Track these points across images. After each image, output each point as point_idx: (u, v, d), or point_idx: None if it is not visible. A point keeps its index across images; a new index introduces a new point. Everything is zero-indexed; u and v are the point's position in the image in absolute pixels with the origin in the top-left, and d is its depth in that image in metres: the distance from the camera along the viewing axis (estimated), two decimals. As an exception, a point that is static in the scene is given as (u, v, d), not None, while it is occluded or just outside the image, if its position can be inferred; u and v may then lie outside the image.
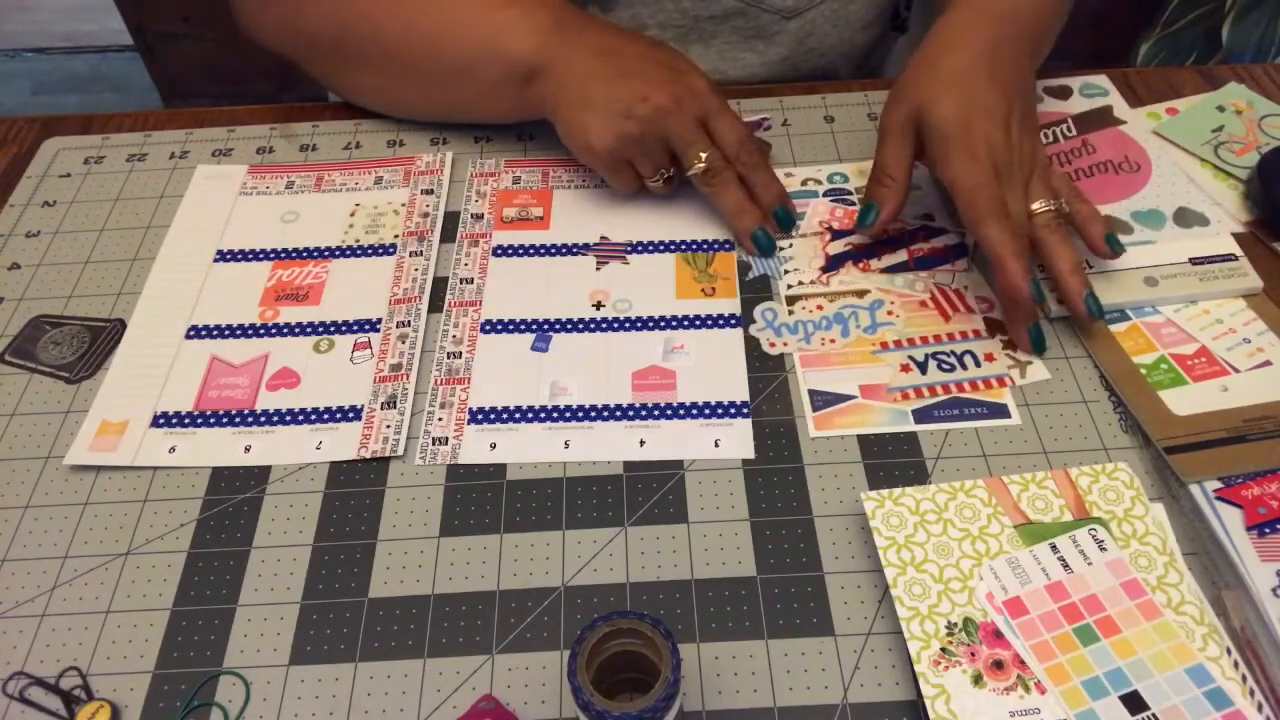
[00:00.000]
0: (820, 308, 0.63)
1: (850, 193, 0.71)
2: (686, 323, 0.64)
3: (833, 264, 0.66)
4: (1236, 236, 0.66)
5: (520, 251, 0.69)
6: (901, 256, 0.66)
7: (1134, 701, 0.46)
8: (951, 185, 0.59)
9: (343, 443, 0.58)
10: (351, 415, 0.60)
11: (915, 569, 0.50)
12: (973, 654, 0.48)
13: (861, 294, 0.64)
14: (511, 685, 0.49)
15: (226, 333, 0.64)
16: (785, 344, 0.62)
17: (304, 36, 0.73)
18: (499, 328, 0.64)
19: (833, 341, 0.61)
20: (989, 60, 0.61)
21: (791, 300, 0.64)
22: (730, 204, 0.66)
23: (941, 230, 0.67)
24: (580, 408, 0.60)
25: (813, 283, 0.65)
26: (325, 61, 0.75)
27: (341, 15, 0.71)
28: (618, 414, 0.59)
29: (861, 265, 0.66)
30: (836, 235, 0.67)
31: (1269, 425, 0.56)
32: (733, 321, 0.64)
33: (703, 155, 0.64)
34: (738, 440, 0.58)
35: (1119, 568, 0.50)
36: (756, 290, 0.65)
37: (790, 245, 0.67)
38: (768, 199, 0.67)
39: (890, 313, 0.62)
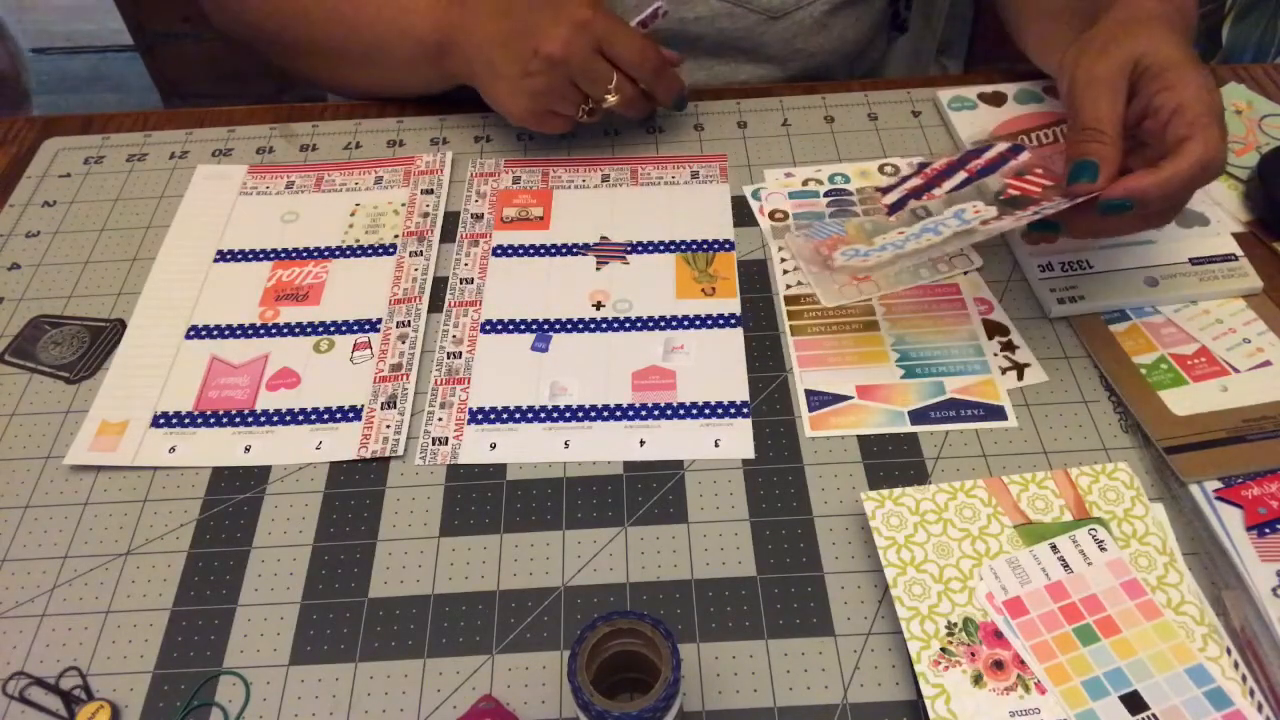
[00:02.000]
0: (901, 233, 0.61)
1: (851, 193, 0.71)
2: (686, 323, 0.64)
3: (895, 208, 0.63)
4: (1236, 236, 0.66)
5: (520, 251, 0.69)
6: (961, 177, 0.62)
7: (1134, 701, 0.46)
8: (1177, 107, 0.54)
9: (343, 443, 0.58)
10: (351, 415, 0.60)
11: (915, 569, 0.50)
12: (973, 654, 0.48)
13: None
14: (511, 685, 0.49)
15: (226, 333, 0.64)
16: (877, 260, 0.59)
17: (253, 29, 0.77)
18: (499, 328, 0.64)
19: (931, 240, 0.58)
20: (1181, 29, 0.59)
21: (792, 301, 0.64)
22: (638, 116, 0.72)
23: (984, 146, 0.64)
24: (580, 408, 0.60)
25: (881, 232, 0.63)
26: (274, 50, 0.79)
27: (274, 5, 0.75)
28: (618, 414, 0.59)
29: (926, 197, 0.63)
30: (885, 190, 0.65)
31: (1269, 425, 0.56)
32: (733, 321, 0.64)
33: (609, 90, 0.67)
34: (738, 440, 0.58)
35: (1119, 568, 0.50)
36: (756, 290, 0.65)
37: (839, 222, 0.67)
38: (668, 98, 0.71)
39: (975, 210, 0.58)
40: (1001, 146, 0.63)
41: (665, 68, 0.69)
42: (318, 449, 0.58)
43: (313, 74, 0.80)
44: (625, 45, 0.66)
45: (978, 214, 0.58)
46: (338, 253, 0.69)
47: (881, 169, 0.72)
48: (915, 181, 0.64)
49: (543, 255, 0.68)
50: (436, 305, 0.66)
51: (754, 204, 0.71)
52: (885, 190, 0.65)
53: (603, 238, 0.69)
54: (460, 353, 0.63)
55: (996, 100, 0.76)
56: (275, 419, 0.60)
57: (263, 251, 0.69)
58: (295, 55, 0.78)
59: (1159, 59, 0.56)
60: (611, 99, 0.67)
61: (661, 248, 0.68)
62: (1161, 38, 0.56)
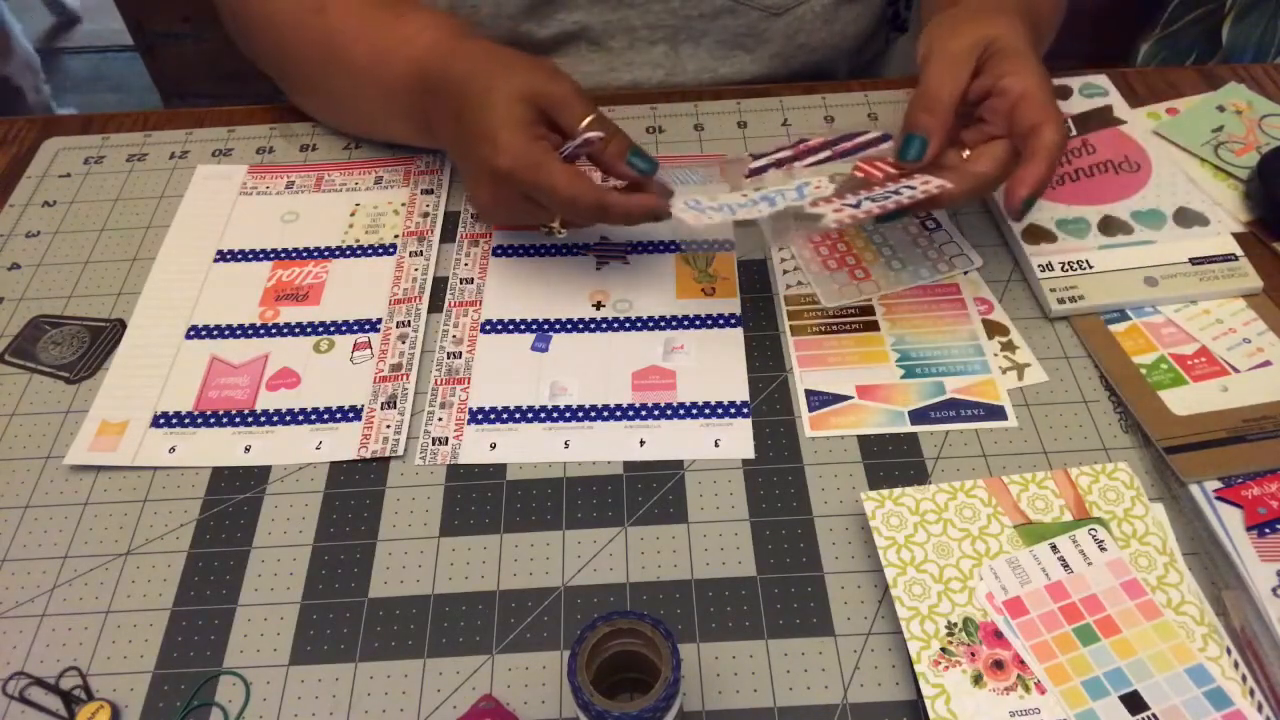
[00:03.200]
0: (744, 196, 0.59)
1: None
2: (686, 323, 0.64)
3: (755, 173, 0.62)
4: (1236, 236, 0.66)
5: (520, 251, 0.69)
6: (824, 155, 0.62)
7: (1134, 701, 0.46)
8: (1025, 92, 0.57)
9: (343, 443, 0.58)
10: (351, 415, 0.60)
11: (915, 569, 0.50)
12: (973, 654, 0.48)
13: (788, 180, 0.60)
14: (511, 685, 0.49)
15: (226, 333, 0.64)
16: (710, 218, 0.58)
17: (260, 62, 0.76)
18: (499, 328, 0.64)
19: (761, 211, 0.58)
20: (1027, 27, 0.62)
21: (792, 301, 0.64)
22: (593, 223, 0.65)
23: (858, 133, 0.63)
24: (580, 408, 0.60)
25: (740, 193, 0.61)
26: (280, 84, 0.77)
27: (270, 48, 0.74)
28: (618, 414, 0.59)
29: (785, 168, 0.62)
30: (757, 157, 0.63)
31: (1269, 425, 0.56)
32: (733, 321, 0.64)
33: (553, 228, 0.63)
34: (738, 440, 0.58)
35: (1119, 568, 0.50)
36: (756, 290, 0.65)
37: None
38: (628, 223, 0.62)
39: (816, 186, 0.58)
40: (873, 134, 0.63)
41: (603, 207, 0.59)
42: (318, 449, 0.58)
43: (311, 112, 0.78)
44: (549, 195, 0.59)
45: (818, 189, 0.58)
46: (338, 253, 0.69)
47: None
48: (785, 154, 0.63)
49: (543, 255, 0.68)
50: (436, 305, 0.66)
51: (754, 204, 0.71)
52: (757, 157, 0.63)
53: (603, 238, 0.69)
54: (460, 353, 0.63)
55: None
56: (275, 419, 0.60)
57: (263, 251, 0.69)
58: (293, 92, 0.77)
59: (1006, 45, 0.59)
60: (559, 234, 0.63)
61: (661, 248, 0.68)
62: (1012, 27, 0.60)
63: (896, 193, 0.56)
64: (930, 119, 0.58)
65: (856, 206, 0.56)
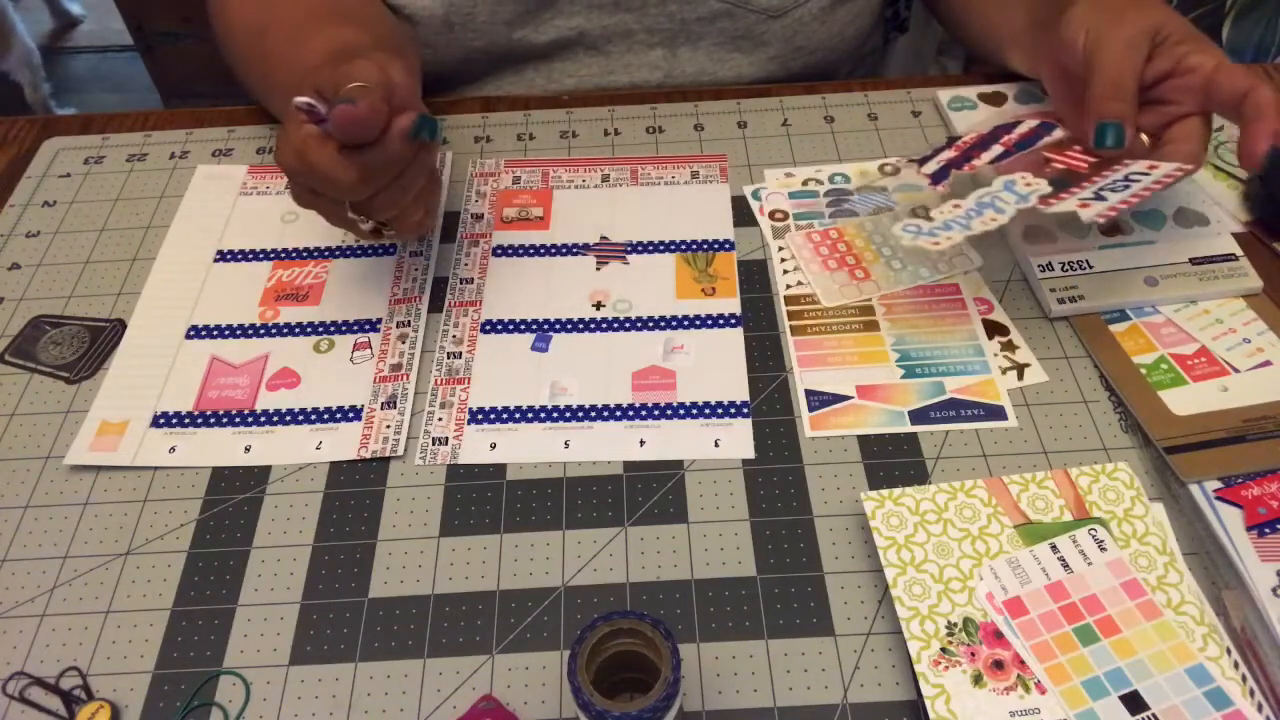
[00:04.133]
0: (957, 206, 0.60)
1: (851, 193, 0.71)
2: (686, 323, 0.64)
3: (938, 177, 0.62)
4: (1236, 236, 0.66)
5: (520, 251, 0.69)
6: (998, 150, 0.63)
7: (1134, 701, 0.46)
8: (1219, 65, 0.59)
9: (343, 443, 0.58)
10: (351, 415, 0.60)
11: (915, 569, 0.50)
12: (973, 654, 0.48)
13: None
14: (511, 685, 0.49)
15: (226, 333, 0.64)
16: (947, 239, 0.58)
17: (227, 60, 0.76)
18: (499, 328, 0.64)
19: (995, 218, 0.58)
20: None
21: (792, 301, 0.64)
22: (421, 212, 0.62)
23: (1016, 123, 0.65)
24: (580, 408, 0.60)
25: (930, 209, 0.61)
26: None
27: (231, 64, 0.75)
28: (618, 414, 0.59)
29: (966, 167, 0.62)
30: (922, 161, 0.64)
31: (1269, 425, 0.56)
32: (733, 321, 0.64)
33: (360, 226, 0.59)
34: (738, 440, 0.58)
35: (1119, 568, 0.50)
36: (756, 290, 0.65)
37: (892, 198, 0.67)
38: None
39: (1028, 183, 0.59)
40: (1031, 123, 0.63)
41: (364, 168, 0.54)
42: (318, 449, 0.58)
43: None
44: (314, 177, 0.54)
45: (1029, 187, 0.58)
46: (338, 253, 0.69)
47: (881, 169, 0.72)
48: (950, 153, 0.63)
49: (543, 255, 0.68)
50: (436, 305, 0.66)
51: (754, 204, 0.71)
52: (921, 161, 0.63)
53: (603, 238, 0.69)
54: (460, 353, 0.63)
55: (996, 100, 0.77)
56: (275, 419, 0.60)
57: (263, 251, 0.69)
58: (253, 92, 0.76)
59: (1178, 28, 0.60)
60: (386, 233, 0.59)
61: (661, 248, 0.68)
62: (1171, 12, 0.61)
63: (1132, 180, 0.57)
64: (1121, 105, 0.59)
65: (1098, 199, 0.56)
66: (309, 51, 0.63)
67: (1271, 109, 0.57)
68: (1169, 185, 0.57)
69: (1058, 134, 0.63)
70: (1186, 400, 0.57)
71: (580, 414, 0.59)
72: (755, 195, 0.71)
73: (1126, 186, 0.56)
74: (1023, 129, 0.63)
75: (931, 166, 0.62)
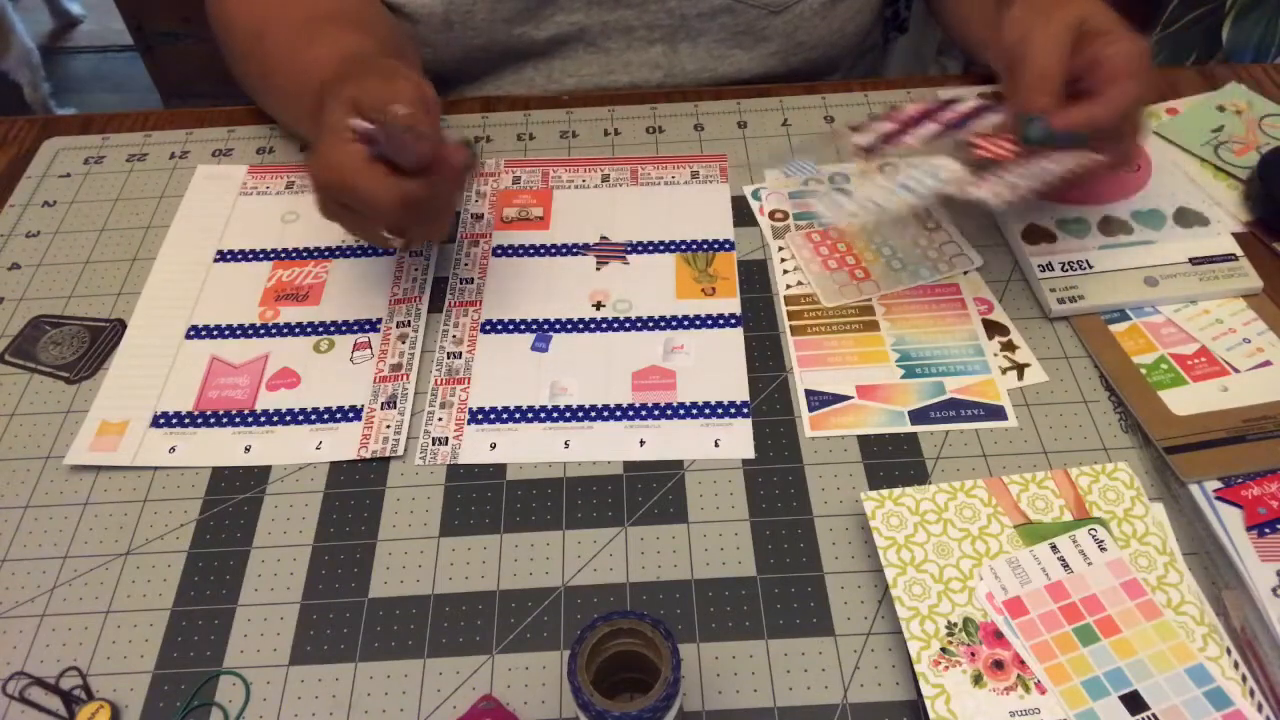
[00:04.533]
0: (880, 186, 0.60)
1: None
2: (686, 323, 0.64)
3: (870, 150, 0.62)
4: (1236, 236, 0.66)
5: (520, 251, 0.69)
6: (932, 129, 0.63)
7: (1134, 701, 0.46)
8: (1118, 52, 0.59)
9: (343, 443, 0.58)
10: (351, 415, 0.60)
11: (915, 569, 0.50)
12: (973, 654, 0.48)
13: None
14: (511, 685, 0.49)
15: (226, 333, 0.64)
16: (856, 216, 0.59)
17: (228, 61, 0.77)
18: (499, 328, 0.64)
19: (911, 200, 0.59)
20: None
21: (792, 301, 0.64)
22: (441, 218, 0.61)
23: (957, 100, 0.65)
24: (580, 408, 0.60)
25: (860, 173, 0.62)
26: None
27: (230, 65, 0.75)
28: (618, 414, 0.59)
29: (899, 143, 0.62)
30: (856, 128, 0.63)
31: (1269, 425, 0.56)
32: (733, 321, 0.64)
33: (387, 238, 0.58)
34: (738, 440, 0.58)
35: (1119, 568, 0.50)
36: (756, 290, 0.65)
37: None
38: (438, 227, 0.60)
39: (948, 170, 0.59)
40: (975, 101, 0.63)
41: (406, 199, 0.54)
42: (318, 449, 0.58)
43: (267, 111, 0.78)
44: (353, 197, 0.55)
45: (949, 173, 0.59)
46: (338, 253, 0.69)
47: (882, 169, 0.72)
48: (887, 126, 0.63)
49: (543, 255, 0.68)
50: (436, 305, 0.66)
51: (754, 204, 0.71)
52: (856, 128, 0.63)
53: (603, 238, 0.69)
54: (460, 353, 0.63)
55: (996, 100, 0.76)
56: (275, 419, 0.60)
57: (263, 251, 0.69)
58: (251, 92, 0.77)
59: (1101, 21, 0.60)
60: (395, 242, 0.58)
61: (661, 248, 0.68)
62: (1099, 6, 0.61)
63: (1045, 170, 0.58)
64: (1044, 99, 0.59)
65: (1007, 185, 0.57)
66: (314, 59, 0.63)
67: (1107, 102, 0.57)
68: (1084, 172, 0.58)
69: (995, 118, 0.62)
70: (1186, 400, 0.57)
71: (580, 414, 0.59)
72: (755, 195, 0.71)
73: (1038, 176, 0.57)
74: (963, 108, 0.63)
75: (866, 138, 0.62)
